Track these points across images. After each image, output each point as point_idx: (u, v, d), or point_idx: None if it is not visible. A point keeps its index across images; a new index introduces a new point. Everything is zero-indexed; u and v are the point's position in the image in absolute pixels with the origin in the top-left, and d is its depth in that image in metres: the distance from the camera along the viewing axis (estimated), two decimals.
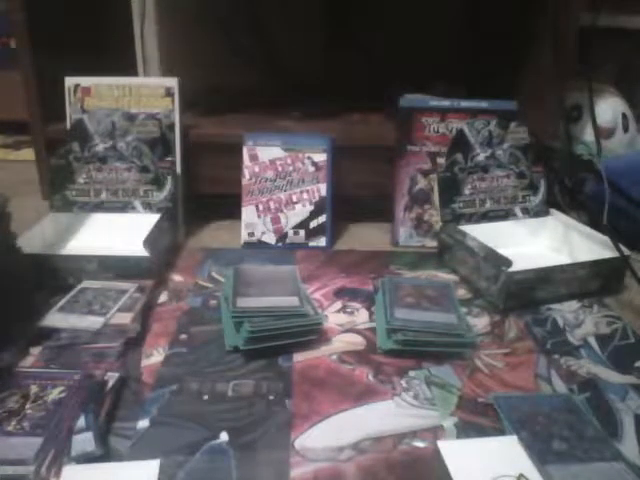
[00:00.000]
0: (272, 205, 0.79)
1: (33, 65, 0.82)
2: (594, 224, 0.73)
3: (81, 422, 0.41)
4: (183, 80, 0.82)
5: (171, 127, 0.81)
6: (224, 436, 0.43)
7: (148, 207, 0.78)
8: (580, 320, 0.62)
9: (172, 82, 0.81)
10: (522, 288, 0.63)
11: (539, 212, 0.80)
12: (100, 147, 0.78)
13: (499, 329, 0.59)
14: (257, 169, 0.80)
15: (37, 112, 0.84)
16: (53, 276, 0.63)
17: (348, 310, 0.62)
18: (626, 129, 0.96)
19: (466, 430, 0.45)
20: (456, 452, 0.39)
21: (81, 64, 0.80)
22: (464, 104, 0.79)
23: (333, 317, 0.61)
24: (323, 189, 0.79)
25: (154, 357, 0.53)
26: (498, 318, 0.61)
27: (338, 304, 0.63)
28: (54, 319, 0.56)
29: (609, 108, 0.95)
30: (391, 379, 0.51)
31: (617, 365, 0.54)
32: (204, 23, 1.15)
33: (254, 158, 0.80)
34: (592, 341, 0.58)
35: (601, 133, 0.92)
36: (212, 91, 1.01)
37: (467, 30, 1.11)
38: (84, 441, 0.40)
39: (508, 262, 0.62)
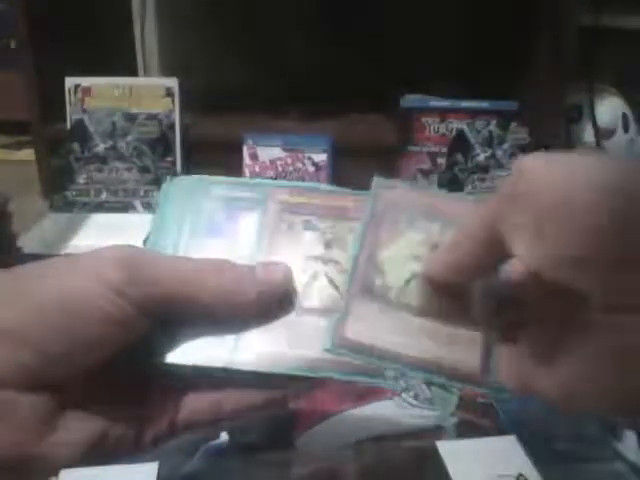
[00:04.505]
0: None
1: (33, 65, 0.82)
2: None
3: None
4: (183, 80, 0.82)
5: (171, 127, 0.81)
6: (224, 436, 0.43)
7: (148, 207, 0.78)
8: None
9: (172, 82, 0.81)
10: None
11: None
12: (100, 147, 0.78)
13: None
14: (257, 169, 0.80)
15: (37, 112, 0.84)
16: None
17: None
18: (626, 129, 0.96)
19: (466, 430, 0.45)
20: (455, 452, 0.39)
21: (81, 64, 0.81)
22: (464, 104, 0.79)
23: None
24: None
25: None
26: None
27: None
28: None
29: (609, 108, 0.95)
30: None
31: None
32: (204, 23, 1.15)
33: (254, 158, 0.80)
34: None
35: (601, 133, 0.92)
36: (212, 91, 1.01)
37: (467, 30, 1.11)
38: None
39: None
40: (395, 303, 0.26)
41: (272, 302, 0.26)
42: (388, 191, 0.29)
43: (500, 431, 0.45)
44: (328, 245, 0.28)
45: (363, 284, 0.27)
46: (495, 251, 0.22)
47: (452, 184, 0.75)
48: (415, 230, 0.28)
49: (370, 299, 0.26)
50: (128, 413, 0.26)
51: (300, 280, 0.27)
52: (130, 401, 0.26)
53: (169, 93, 0.81)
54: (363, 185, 0.31)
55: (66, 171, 0.77)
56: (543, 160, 0.20)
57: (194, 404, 0.27)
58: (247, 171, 0.79)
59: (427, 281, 0.26)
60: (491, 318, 0.26)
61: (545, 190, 0.19)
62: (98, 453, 0.25)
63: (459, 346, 0.26)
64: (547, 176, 0.20)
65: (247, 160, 0.79)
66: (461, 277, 0.25)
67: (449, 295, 0.26)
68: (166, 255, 0.28)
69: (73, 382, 0.24)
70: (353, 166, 0.83)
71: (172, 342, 0.26)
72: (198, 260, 0.27)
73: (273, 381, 0.27)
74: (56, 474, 0.25)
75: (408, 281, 0.27)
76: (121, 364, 0.25)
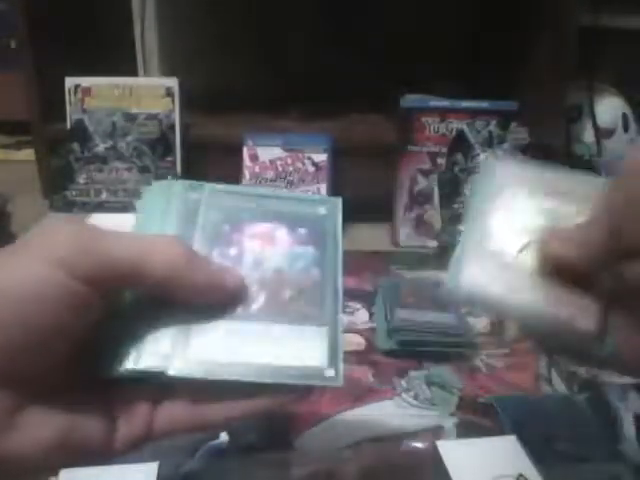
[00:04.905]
0: None
1: (33, 65, 0.82)
2: None
3: None
4: (183, 80, 0.82)
5: (171, 127, 0.81)
6: (224, 436, 0.43)
7: None
8: None
9: (172, 82, 0.81)
10: None
11: None
12: (100, 147, 0.78)
13: (499, 329, 0.59)
14: (257, 169, 0.80)
15: (37, 112, 0.84)
16: None
17: (348, 310, 0.62)
18: (626, 129, 0.96)
19: (466, 430, 0.45)
20: (455, 452, 0.39)
21: (81, 64, 0.80)
22: (464, 104, 0.79)
23: None
24: (323, 189, 0.79)
25: None
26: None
27: None
28: None
29: (609, 108, 0.95)
30: (391, 379, 0.51)
31: None
32: (204, 23, 1.15)
33: (254, 158, 0.80)
34: None
35: (601, 133, 0.92)
36: (212, 91, 1.01)
37: (467, 30, 1.11)
38: None
39: None
40: (511, 265, 0.27)
41: (220, 292, 0.26)
42: (506, 167, 0.30)
43: (500, 431, 0.45)
44: (549, 221, 0.28)
45: (480, 245, 0.28)
46: (625, 244, 0.22)
47: (452, 184, 0.75)
48: (532, 204, 0.29)
49: (487, 257, 0.27)
50: (96, 412, 0.25)
51: (515, 243, 0.27)
52: (98, 399, 0.25)
53: (169, 93, 0.81)
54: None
55: (66, 171, 0.77)
56: None
57: (174, 413, 0.26)
58: (247, 171, 0.79)
59: (549, 258, 0.26)
60: (611, 304, 0.26)
61: None
62: (66, 453, 0.24)
63: (574, 307, 0.26)
64: None
65: (247, 160, 0.79)
66: (589, 262, 0.25)
67: (570, 274, 0.26)
68: (117, 231, 0.27)
69: (34, 376, 0.23)
70: (353, 166, 0.83)
71: (134, 334, 0.25)
72: (150, 235, 0.26)
73: (258, 390, 0.26)
74: (56, 474, 0.24)
75: (522, 250, 0.27)
76: (86, 356, 0.25)
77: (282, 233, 0.30)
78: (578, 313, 0.26)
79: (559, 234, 0.26)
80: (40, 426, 0.23)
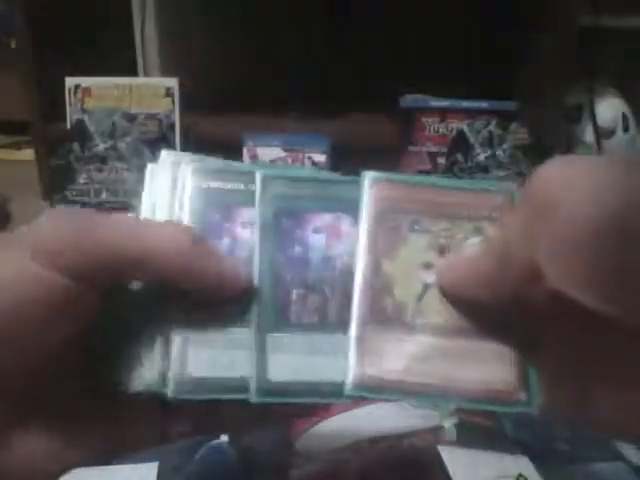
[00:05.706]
0: None
1: (33, 65, 0.82)
2: None
3: None
4: (183, 80, 0.82)
5: (171, 127, 0.81)
6: (224, 437, 0.43)
7: None
8: None
9: (172, 82, 0.81)
10: None
11: None
12: (100, 147, 0.78)
13: None
14: None
15: (37, 112, 0.84)
16: None
17: None
18: (626, 129, 0.96)
19: (466, 430, 0.45)
20: (455, 452, 0.39)
21: (81, 64, 0.80)
22: (464, 104, 0.79)
23: None
24: None
25: None
26: None
27: None
28: None
29: (609, 108, 0.95)
30: None
31: None
32: (204, 23, 1.15)
33: (254, 159, 0.80)
34: None
35: (601, 133, 0.92)
36: (212, 91, 1.01)
37: (467, 30, 1.11)
38: None
39: None
40: (412, 325, 0.23)
41: (233, 287, 0.23)
42: (383, 188, 0.26)
43: (500, 431, 0.45)
44: (442, 251, 0.24)
45: (373, 307, 0.23)
46: (524, 270, 0.19)
47: None
48: (419, 232, 0.24)
49: (384, 326, 0.23)
50: (100, 421, 0.23)
51: (409, 293, 0.23)
52: (102, 409, 0.23)
53: (169, 93, 0.81)
54: None
55: (66, 171, 0.77)
56: (562, 167, 0.18)
57: (177, 425, 0.25)
58: None
59: (443, 294, 0.23)
60: (519, 337, 0.23)
61: (565, 205, 0.17)
62: (65, 465, 0.22)
63: (488, 362, 0.23)
64: (568, 189, 0.18)
65: (247, 160, 0.79)
66: (485, 294, 0.21)
67: (469, 308, 0.23)
68: (117, 217, 0.23)
69: (27, 388, 0.21)
70: (353, 166, 0.83)
71: (141, 339, 0.23)
72: (155, 223, 0.23)
73: None
74: None
75: (421, 296, 0.23)
76: (88, 366, 0.23)
77: (349, 224, 0.26)
78: (493, 373, 0.22)
79: (453, 265, 0.23)
80: (35, 443, 0.21)
